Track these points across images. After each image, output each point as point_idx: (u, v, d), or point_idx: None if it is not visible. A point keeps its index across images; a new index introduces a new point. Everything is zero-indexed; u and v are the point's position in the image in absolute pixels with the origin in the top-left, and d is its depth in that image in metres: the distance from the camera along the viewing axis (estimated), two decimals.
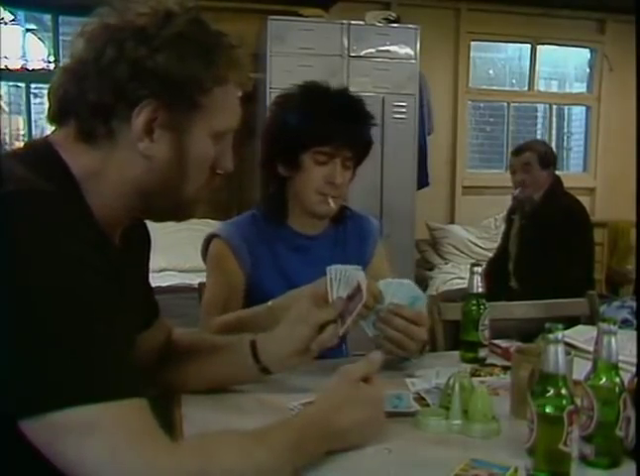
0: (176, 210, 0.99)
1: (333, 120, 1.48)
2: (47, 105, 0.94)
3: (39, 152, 0.91)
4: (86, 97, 0.88)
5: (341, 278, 1.20)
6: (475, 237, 4.84)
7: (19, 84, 4.45)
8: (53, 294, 0.76)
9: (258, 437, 0.87)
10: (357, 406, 0.98)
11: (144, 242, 1.14)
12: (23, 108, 4.46)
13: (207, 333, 1.42)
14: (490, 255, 3.74)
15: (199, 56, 0.89)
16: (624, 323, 2.22)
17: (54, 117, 0.94)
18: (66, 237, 0.79)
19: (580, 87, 5.76)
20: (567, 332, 1.24)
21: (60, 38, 4.45)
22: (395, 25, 4.35)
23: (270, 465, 0.85)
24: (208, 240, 1.60)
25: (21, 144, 2.90)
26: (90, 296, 0.78)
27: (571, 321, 1.71)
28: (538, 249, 3.03)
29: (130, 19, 0.89)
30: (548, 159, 3.18)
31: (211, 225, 1.53)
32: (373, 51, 4.23)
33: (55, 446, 0.76)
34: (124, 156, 0.90)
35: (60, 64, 0.95)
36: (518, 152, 3.25)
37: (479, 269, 1.48)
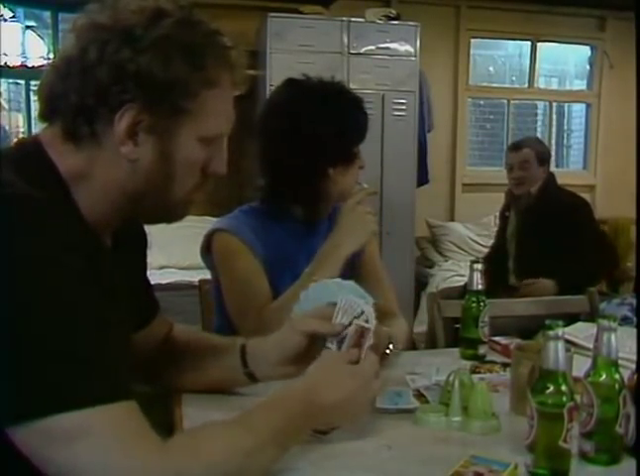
0: (165, 212, 0.98)
1: (363, 113, 1.55)
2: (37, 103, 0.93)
3: (28, 151, 0.89)
4: (69, 97, 0.86)
5: (348, 308, 1.12)
6: (474, 234, 4.84)
7: (18, 82, 4.44)
8: (40, 300, 0.75)
9: (241, 423, 0.88)
10: (340, 382, 0.97)
11: (139, 240, 1.12)
12: (22, 105, 4.46)
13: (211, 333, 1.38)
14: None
15: (185, 59, 0.86)
16: (624, 320, 2.21)
17: (43, 115, 0.92)
18: (50, 242, 0.77)
19: (580, 85, 5.75)
20: (567, 329, 1.24)
21: (60, 35, 4.43)
22: (395, 22, 4.34)
23: (257, 448, 0.85)
24: (210, 236, 1.55)
25: None
26: (76, 300, 0.78)
27: (571, 318, 1.71)
28: (543, 244, 3.00)
29: (118, 17, 0.87)
30: (544, 156, 3.19)
31: (210, 222, 1.52)
32: (373, 48, 4.22)
33: (46, 452, 0.75)
34: (109, 157, 0.88)
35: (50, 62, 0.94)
36: (516, 148, 3.23)
37: (478, 266, 1.48)
